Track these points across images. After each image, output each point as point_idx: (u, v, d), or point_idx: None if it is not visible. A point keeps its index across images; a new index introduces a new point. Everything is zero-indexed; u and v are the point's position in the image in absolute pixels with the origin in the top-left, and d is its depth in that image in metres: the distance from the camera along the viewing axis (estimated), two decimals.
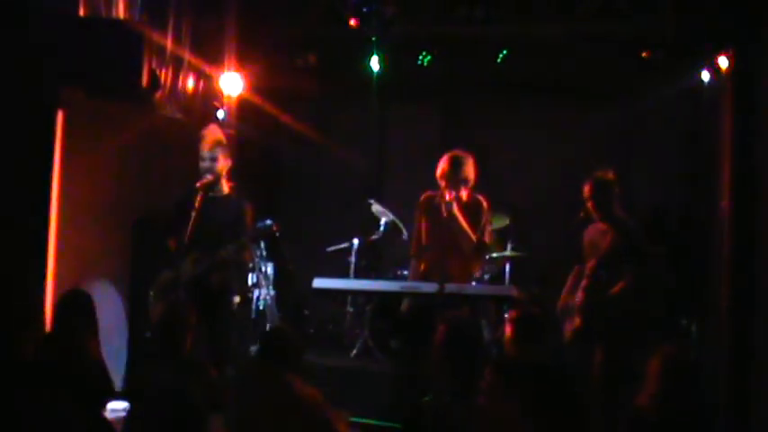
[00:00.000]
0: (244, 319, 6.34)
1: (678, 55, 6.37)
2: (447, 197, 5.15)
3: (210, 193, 5.08)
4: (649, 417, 3.37)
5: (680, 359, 3.50)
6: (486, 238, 5.30)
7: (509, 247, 6.89)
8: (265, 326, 6.52)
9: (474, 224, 5.21)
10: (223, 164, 5.10)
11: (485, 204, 5.29)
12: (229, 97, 6.85)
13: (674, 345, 3.70)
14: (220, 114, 6.69)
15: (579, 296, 4.88)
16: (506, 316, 4.73)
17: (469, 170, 5.19)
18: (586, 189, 4.92)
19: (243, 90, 6.92)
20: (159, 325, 3.99)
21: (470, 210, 5.23)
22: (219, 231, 4.96)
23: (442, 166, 5.19)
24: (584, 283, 4.91)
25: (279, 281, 6.93)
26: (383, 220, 7.06)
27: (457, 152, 5.22)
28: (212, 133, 5.17)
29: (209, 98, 6.63)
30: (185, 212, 4.96)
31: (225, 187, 5.15)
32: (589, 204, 4.93)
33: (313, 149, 8.06)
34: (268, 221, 5.05)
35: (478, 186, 5.29)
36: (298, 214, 7.80)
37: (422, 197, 5.37)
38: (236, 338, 5.71)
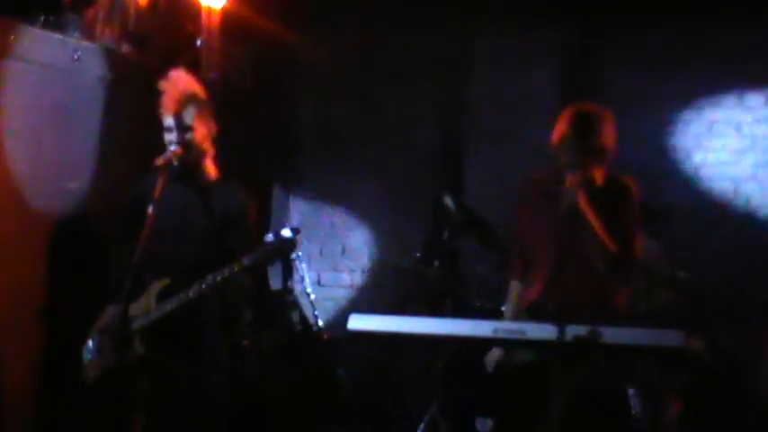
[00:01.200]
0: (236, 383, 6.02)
1: None
2: (568, 181, 5.10)
3: (181, 181, 5.09)
4: None
5: None
6: (635, 250, 5.24)
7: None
8: (269, 392, 6.72)
9: (614, 225, 5.15)
10: (202, 131, 5.10)
11: (633, 192, 5.24)
12: (210, 13, 6.81)
13: None
14: (197, 44, 6.71)
15: None
16: (671, 381, 4.84)
17: (607, 135, 5.17)
18: None
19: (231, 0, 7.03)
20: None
21: (608, 201, 5.18)
22: (200, 245, 5.02)
23: (561, 128, 5.18)
24: None
25: (290, 316, 7.05)
26: (460, 220, 7.09)
27: (586, 106, 5.24)
28: (180, 81, 5.16)
29: (176, 17, 6.67)
30: (144, 213, 4.97)
31: (208, 170, 5.20)
32: None
33: (349, 100, 8.34)
34: (287, 232, 4.93)
35: (619, 164, 5.29)
36: (323, 208, 8.16)
37: (523, 181, 5.49)
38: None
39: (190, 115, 5.04)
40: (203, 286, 4.84)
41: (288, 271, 7.04)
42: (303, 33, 7.97)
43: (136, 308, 4.95)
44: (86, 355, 5.04)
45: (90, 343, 5.05)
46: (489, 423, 6.03)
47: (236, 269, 4.82)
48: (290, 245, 4.91)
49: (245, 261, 4.84)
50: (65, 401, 5.74)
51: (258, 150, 7.78)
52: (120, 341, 4.91)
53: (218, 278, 4.84)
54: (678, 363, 5.20)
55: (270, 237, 4.91)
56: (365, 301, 7.14)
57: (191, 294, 4.87)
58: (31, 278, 5.82)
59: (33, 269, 5.83)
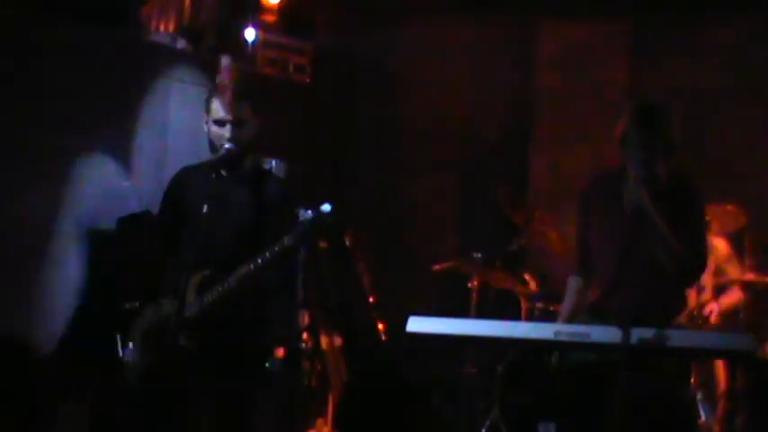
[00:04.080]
0: (289, 387, 6.25)
1: None
2: (633, 177, 5.05)
3: (226, 173, 5.07)
4: None
5: None
6: (701, 249, 5.19)
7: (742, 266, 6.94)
8: (326, 398, 6.70)
9: (679, 223, 5.05)
10: (253, 126, 5.09)
11: (699, 191, 5.22)
12: (267, 8, 6.88)
13: None
14: (249, 36, 6.69)
15: None
16: (739, 386, 4.88)
17: (671, 131, 5.13)
18: None
19: None
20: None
21: (674, 199, 5.11)
22: (241, 238, 4.99)
23: (624, 122, 5.13)
24: None
25: (348, 320, 7.03)
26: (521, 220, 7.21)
27: (649, 100, 5.28)
28: (234, 74, 5.19)
29: (232, 12, 6.67)
30: (184, 206, 5.04)
31: (257, 163, 5.23)
32: None
33: (410, 95, 8.34)
34: (325, 208, 4.86)
35: (688, 161, 5.28)
36: (382, 208, 8.17)
37: (588, 181, 5.44)
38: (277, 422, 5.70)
39: (244, 110, 5.02)
40: (244, 272, 4.81)
41: (342, 258, 7.00)
42: (363, 28, 8.00)
43: (177, 303, 4.90)
44: (127, 357, 5.01)
45: (131, 345, 5.01)
46: (552, 428, 6.01)
47: (276, 250, 4.77)
48: (328, 218, 4.84)
49: (287, 241, 4.78)
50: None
51: (316, 146, 7.78)
52: (165, 338, 4.89)
53: (260, 262, 4.80)
54: (747, 367, 5.12)
55: (307, 213, 4.87)
56: (425, 303, 7.08)
57: (230, 284, 4.84)
58: None
59: None
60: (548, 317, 6.71)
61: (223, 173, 5.05)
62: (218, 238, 4.96)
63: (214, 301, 4.89)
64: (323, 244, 5.40)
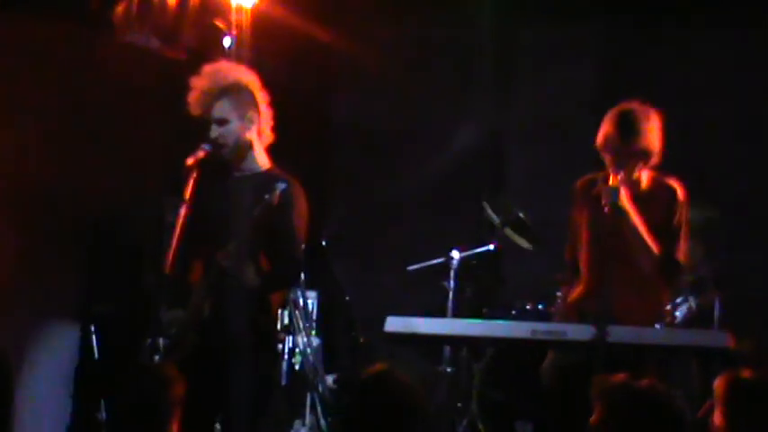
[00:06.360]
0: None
1: None
2: (611, 180, 5.08)
3: (221, 174, 5.08)
4: None
5: None
6: (679, 253, 5.20)
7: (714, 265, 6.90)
8: (305, 397, 6.63)
9: (658, 226, 5.13)
10: (240, 122, 5.07)
11: (679, 194, 5.22)
12: (241, 11, 6.80)
13: None
14: (226, 42, 6.69)
15: None
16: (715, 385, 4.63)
17: (651, 135, 5.14)
18: None
19: None
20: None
21: (652, 202, 5.18)
22: (244, 237, 4.92)
23: (605, 128, 5.17)
24: None
25: (327, 322, 6.98)
26: (501, 221, 7.16)
27: (629, 105, 5.21)
28: (216, 75, 5.13)
29: (205, 15, 6.65)
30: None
31: (257, 159, 5.15)
32: None
33: (387, 98, 8.28)
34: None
35: (668, 164, 5.25)
36: (358, 211, 8.10)
37: (578, 182, 5.40)
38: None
39: (222, 109, 5.02)
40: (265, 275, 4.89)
41: (320, 262, 6.98)
42: (339, 31, 7.95)
43: (191, 308, 4.95)
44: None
45: (161, 345, 4.95)
46: (529, 427, 6.00)
47: (289, 262, 4.99)
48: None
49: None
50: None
51: (294, 150, 7.77)
52: (177, 339, 4.91)
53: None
54: (723, 365, 5.14)
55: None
56: (403, 304, 7.11)
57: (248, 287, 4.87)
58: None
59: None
60: (525, 316, 6.68)
61: (222, 175, 5.07)
62: (221, 240, 4.93)
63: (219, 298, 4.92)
64: None
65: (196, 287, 4.97)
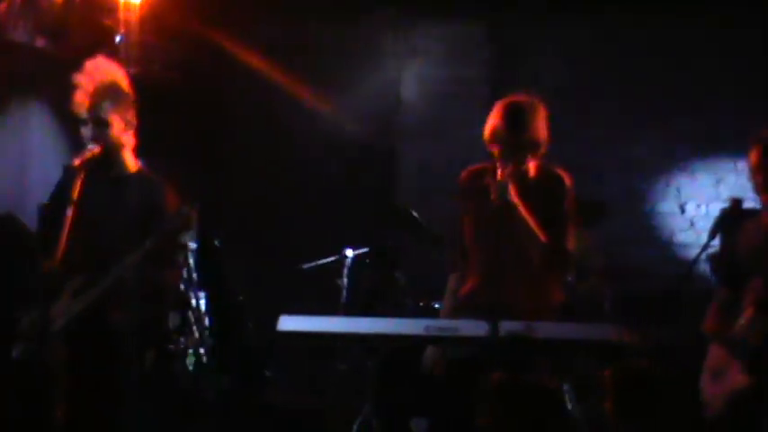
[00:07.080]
0: (161, 388, 6.08)
1: None
2: (500, 173, 5.12)
3: (97, 175, 5.00)
4: None
5: None
6: (568, 242, 5.26)
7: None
8: (197, 396, 6.43)
9: (546, 217, 5.18)
10: (119, 124, 5.06)
11: (566, 183, 5.28)
12: (129, 8, 6.77)
13: None
14: (116, 40, 6.67)
15: (741, 333, 4.87)
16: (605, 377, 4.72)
17: (538, 127, 5.20)
18: (753, 157, 4.92)
19: None
20: None
21: (540, 193, 5.21)
22: (120, 238, 4.94)
23: (493, 121, 5.21)
24: (747, 314, 4.88)
25: (219, 322, 6.77)
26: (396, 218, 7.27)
27: (516, 98, 5.27)
28: (97, 73, 5.10)
29: (93, 12, 6.61)
30: (63, 207, 4.87)
31: (126, 162, 5.16)
32: (757, 180, 4.93)
33: (281, 96, 8.29)
34: (184, 208, 4.96)
35: (554, 155, 5.30)
36: (252, 207, 8.12)
37: (463, 175, 5.41)
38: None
39: (105, 109, 5.00)
40: (110, 276, 4.79)
41: (212, 261, 6.87)
42: (229, 29, 7.97)
43: (57, 308, 4.87)
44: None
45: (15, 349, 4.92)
46: (424, 423, 6.05)
47: (138, 255, 4.77)
48: (186, 219, 4.90)
49: (148, 243, 4.79)
50: None
51: (187, 146, 7.74)
52: (41, 344, 4.80)
53: (124, 265, 4.79)
54: (612, 356, 5.22)
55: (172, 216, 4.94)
56: (297, 302, 7.12)
57: (112, 285, 4.81)
58: None
59: None
60: (418, 313, 6.73)
61: (98, 176, 5.00)
62: (95, 243, 4.94)
63: (89, 306, 4.85)
64: (191, 244, 5.41)
65: (68, 286, 4.92)
